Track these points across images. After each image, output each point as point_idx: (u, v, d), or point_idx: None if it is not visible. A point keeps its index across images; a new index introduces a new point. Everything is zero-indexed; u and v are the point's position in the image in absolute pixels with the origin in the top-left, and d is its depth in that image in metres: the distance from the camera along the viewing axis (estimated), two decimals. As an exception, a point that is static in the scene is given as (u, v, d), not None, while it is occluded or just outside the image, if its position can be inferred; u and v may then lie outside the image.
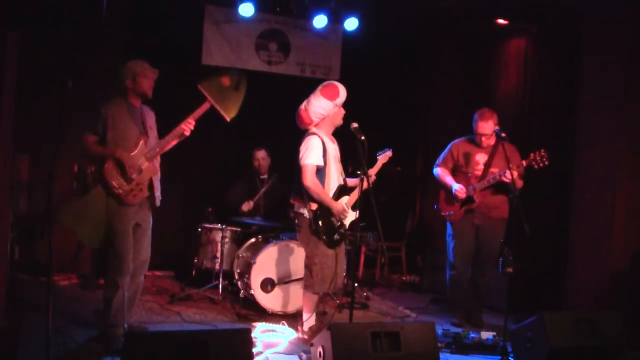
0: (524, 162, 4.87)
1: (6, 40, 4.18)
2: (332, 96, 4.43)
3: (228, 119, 4.35)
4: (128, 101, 4.19)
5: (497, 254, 5.21)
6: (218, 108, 4.27)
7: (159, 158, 4.29)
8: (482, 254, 5.22)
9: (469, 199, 5.10)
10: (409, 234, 7.60)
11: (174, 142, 4.31)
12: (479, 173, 5.12)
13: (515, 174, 4.83)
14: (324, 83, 4.55)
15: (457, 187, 5.09)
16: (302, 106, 4.51)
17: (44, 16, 5.92)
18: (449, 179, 5.20)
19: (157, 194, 4.30)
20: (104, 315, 4.16)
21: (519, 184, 4.96)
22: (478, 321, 5.24)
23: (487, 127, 5.04)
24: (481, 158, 5.15)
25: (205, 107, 4.24)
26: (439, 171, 5.30)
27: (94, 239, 4.14)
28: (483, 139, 5.10)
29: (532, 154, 4.84)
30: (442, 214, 5.29)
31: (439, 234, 5.64)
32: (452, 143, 5.35)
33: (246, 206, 6.18)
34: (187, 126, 4.21)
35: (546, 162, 4.81)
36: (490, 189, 5.08)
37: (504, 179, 4.87)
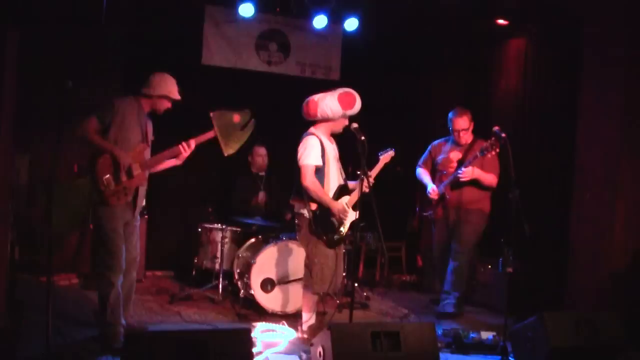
0: (477, 154, 5.00)
1: (6, 40, 4.18)
2: (346, 105, 4.42)
3: (225, 155, 4.44)
4: (140, 105, 4.20)
5: (473, 241, 5.38)
6: (221, 140, 4.35)
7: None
8: (459, 241, 5.35)
9: (441, 197, 5.29)
10: (409, 234, 7.60)
11: (169, 163, 4.32)
12: (452, 170, 5.26)
13: (472, 170, 5.00)
14: (346, 89, 4.49)
15: (430, 189, 5.31)
16: (316, 97, 4.47)
17: (44, 16, 5.92)
18: (425, 180, 5.41)
19: (142, 204, 4.30)
20: (101, 315, 4.17)
21: (488, 180, 5.13)
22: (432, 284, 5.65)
23: (461, 122, 5.21)
24: (455, 156, 5.30)
25: (209, 135, 4.31)
26: (420, 172, 5.52)
27: (64, 225, 4.13)
28: (461, 134, 5.24)
29: (484, 143, 4.98)
30: (424, 214, 5.52)
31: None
32: (431, 144, 5.54)
33: (262, 196, 6.21)
34: (186, 148, 4.23)
35: (497, 150, 4.89)
36: (467, 186, 5.21)
37: (460, 176, 5.06)
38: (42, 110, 5.59)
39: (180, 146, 4.24)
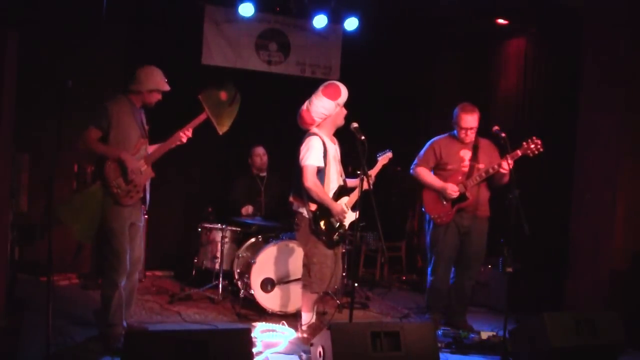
0: (518, 152, 4.73)
1: (6, 40, 4.18)
2: (334, 96, 4.43)
3: (220, 133, 4.43)
4: (131, 102, 4.20)
5: (484, 255, 5.16)
6: (213, 120, 4.37)
7: None
8: (471, 257, 5.06)
9: (461, 197, 4.93)
10: (409, 233, 7.60)
11: (171, 147, 4.33)
12: (465, 169, 4.96)
13: (512, 164, 4.70)
14: (325, 83, 4.53)
15: (449, 187, 4.90)
16: (304, 107, 4.50)
17: (44, 16, 5.92)
18: (434, 179, 5.01)
19: (147, 196, 4.31)
20: (103, 315, 4.17)
21: (506, 178, 4.87)
22: (462, 324, 5.05)
23: (472, 120, 4.89)
24: (465, 154, 4.99)
25: (202, 117, 4.32)
26: (420, 171, 5.07)
27: (86, 234, 4.14)
28: (469, 132, 4.92)
29: (525, 143, 4.71)
30: (432, 215, 5.05)
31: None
32: (432, 141, 5.13)
33: (245, 211, 6.17)
34: (185, 134, 4.26)
35: (541, 149, 4.70)
36: (483, 187, 4.98)
37: (502, 170, 4.73)
38: (42, 110, 5.59)
39: (178, 134, 4.25)
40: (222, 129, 4.41)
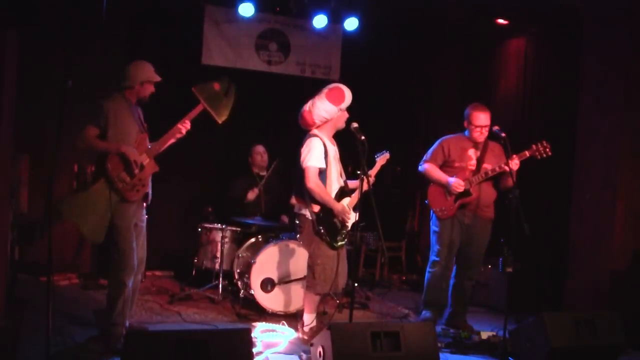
0: (527, 153, 4.79)
1: (6, 40, 4.18)
2: (337, 101, 4.41)
3: (219, 122, 4.45)
4: (127, 98, 4.21)
5: (484, 256, 5.18)
6: (210, 111, 4.38)
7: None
8: (471, 257, 5.10)
9: (465, 193, 4.97)
10: (409, 233, 7.60)
11: (171, 141, 4.35)
12: (472, 168, 5.02)
13: (518, 164, 4.77)
14: (331, 86, 4.51)
15: (455, 181, 4.96)
16: (306, 107, 4.48)
17: (44, 16, 5.92)
18: (441, 174, 5.07)
19: (150, 191, 4.31)
20: (107, 314, 4.16)
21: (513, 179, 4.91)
22: (462, 324, 5.08)
23: (484, 117, 4.95)
24: (473, 153, 5.05)
25: (198, 109, 4.35)
26: (428, 167, 5.13)
27: (95, 233, 4.13)
28: (483, 130, 4.97)
29: (534, 145, 4.78)
30: (434, 209, 5.11)
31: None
32: (441, 139, 5.20)
33: (252, 194, 6.18)
34: (183, 126, 4.29)
35: (549, 153, 4.76)
36: (483, 188, 5.00)
37: (506, 168, 4.74)
38: (42, 110, 5.59)
39: (177, 126, 4.28)
40: (221, 118, 4.44)
